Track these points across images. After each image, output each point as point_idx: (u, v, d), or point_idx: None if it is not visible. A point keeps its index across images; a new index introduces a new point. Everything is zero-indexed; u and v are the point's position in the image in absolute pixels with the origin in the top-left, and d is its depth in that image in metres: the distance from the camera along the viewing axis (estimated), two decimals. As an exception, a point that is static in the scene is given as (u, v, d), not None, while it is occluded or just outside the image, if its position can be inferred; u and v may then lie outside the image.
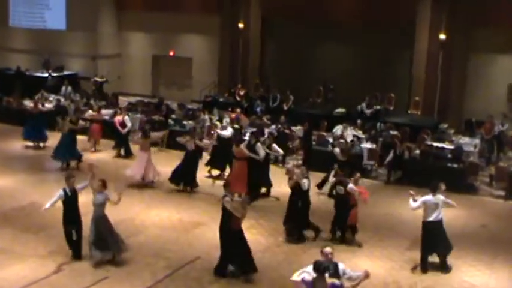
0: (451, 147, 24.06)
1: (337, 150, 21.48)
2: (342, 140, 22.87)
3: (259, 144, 20.44)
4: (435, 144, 24.43)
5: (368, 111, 29.20)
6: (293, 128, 26.66)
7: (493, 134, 25.93)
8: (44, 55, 38.37)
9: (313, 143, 24.85)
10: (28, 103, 28.12)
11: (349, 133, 25.57)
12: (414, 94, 31.44)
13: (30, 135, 26.34)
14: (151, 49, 39.31)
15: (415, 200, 15.55)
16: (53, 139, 25.46)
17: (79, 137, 24.38)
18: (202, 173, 22.48)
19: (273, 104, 31.47)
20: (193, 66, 38.07)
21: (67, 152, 23.28)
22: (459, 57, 30.81)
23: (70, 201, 14.84)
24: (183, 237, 17.03)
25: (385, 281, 14.83)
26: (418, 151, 23.61)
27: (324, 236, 17.15)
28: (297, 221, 17.22)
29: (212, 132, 25.85)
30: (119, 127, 25.05)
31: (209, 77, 36.38)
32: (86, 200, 15.45)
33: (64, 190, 14.81)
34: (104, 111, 27.46)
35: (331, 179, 18.31)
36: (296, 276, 11.22)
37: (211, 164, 22.98)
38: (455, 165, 22.39)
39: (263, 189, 21.06)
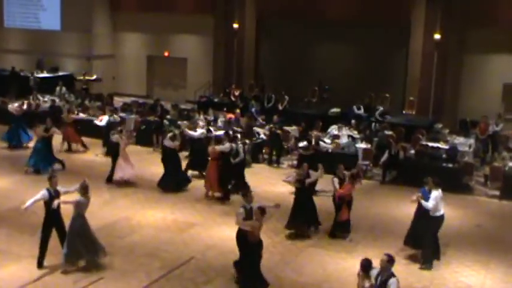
0: (446, 147, 24.09)
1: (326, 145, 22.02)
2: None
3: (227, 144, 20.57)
4: (430, 144, 24.45)
5: (362, 112, 29.17)
6: (288, 128, 26.66)
7: (488, 134, 25.97)
8: (38, 55, 38.37)
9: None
10: (11, 105, 27.90)
11: (344, 133, 25.61)
12: (409, 94, 31.50)
13: (9, 137, 26.27)
14: (146, 50, 39.30)
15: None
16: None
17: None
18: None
19: (268, 104, 31.46)
20: (188, 66, 38.08)
21: (40, 161, 22.61)
22: (454, 57, 30.88)
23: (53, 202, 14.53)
24: (178, 237, 17.02)
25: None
26: (413, 151, 23.62)
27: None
28: (306, 217, 17.50)
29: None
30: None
31: (204, 78, 36.39)
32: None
33: (48, 190, 14.58)
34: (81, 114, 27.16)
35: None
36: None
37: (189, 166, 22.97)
38: (450, 165, 22.40)
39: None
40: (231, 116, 27.71)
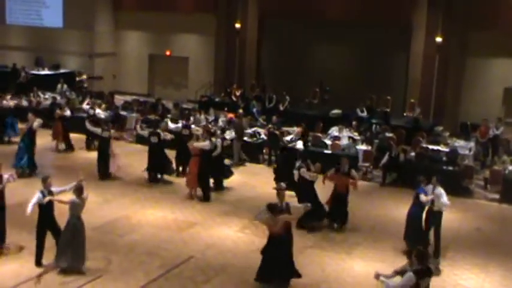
0: (446, 150, 24.11)
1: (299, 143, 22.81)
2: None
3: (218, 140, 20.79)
4: (430, 146, 24.47)
5: (365, 114, 29.16)
6: (289, 129, 26.68)
7: (488, 137, 25.99)
8: (37, 53, 38.43)
9: (309, 144, 24.84)
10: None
11: (345, 134, 25.63)
12: (410, 96, 31.49)
13: None
14: (148, 48, 39.33)
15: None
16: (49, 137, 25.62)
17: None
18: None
19: (269, 105, 31.49)
20: (190, 65, 38.10)
21: (17, 160, 21.86)
22: (455, 60, 30.91)
23: (47, 204, 14.51)
24: (177, 236, 17.03)
25: (378, 284, 14.83)
26: (413, 153, 23.63)
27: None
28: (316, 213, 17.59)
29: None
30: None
31: (205, 77, 36.41)
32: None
33: (42, 192, 14.54)
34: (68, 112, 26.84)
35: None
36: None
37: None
38: (450, 168, 22.41)
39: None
40: (231, 115, 27.73)
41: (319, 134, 26.43)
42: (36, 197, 14.48)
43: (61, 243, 14.40)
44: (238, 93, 32.76)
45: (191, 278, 14.51)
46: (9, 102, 28.58)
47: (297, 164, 19.28)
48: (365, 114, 29.04)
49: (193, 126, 24.67)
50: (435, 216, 16.37)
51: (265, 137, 25.56)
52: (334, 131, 26.42)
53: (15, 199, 16.80)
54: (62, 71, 37.99)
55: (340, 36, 33.54)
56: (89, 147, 25.64)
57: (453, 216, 19.78)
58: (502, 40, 29.65)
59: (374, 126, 28.14)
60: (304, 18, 33.97)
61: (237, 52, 35.81)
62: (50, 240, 14.85)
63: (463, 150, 24.52)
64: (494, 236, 18.45)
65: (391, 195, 21.28)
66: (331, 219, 18.26)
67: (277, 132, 25.39)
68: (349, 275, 15.13)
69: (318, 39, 34.04)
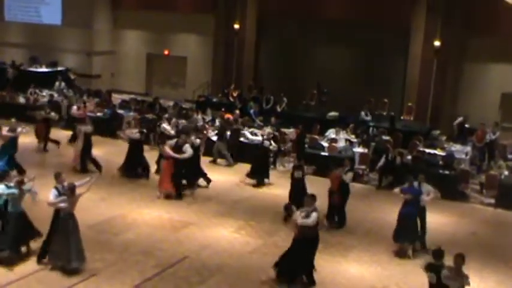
0: (443, 154, 24.13)
1: (267, 143, 22.78)
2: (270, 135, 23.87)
3: (187, 145, 20.49)
4: (427, 150, 24.49)
5: (369, 118, 29.18)
6: (286, 130, 26.67)
7: (485, 142, 26.01)
8: (35, 51, 38.42)
9: (306, 146, 24.85)
10: None
11: (342, 137, 25.61)
12: (407, 100, 31.53)
13: None
14: (146, 47, 39.30)
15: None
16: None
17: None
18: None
19: (267, 106, 31.48)
20: (188, 65, 38.08)
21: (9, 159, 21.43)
22: (453, 65, 30.95)
23: None
24: (172, 236, 17.02)
25: (373, 286, 14.86)
26: (409, 157, 23.64)
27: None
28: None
29: (204, 132, 25.89)
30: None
31: (203, 77, 36.41)
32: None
33: (56, 189, 14.55)
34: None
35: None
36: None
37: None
38: (447, 172, 22.44)
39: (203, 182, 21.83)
40: (229, 116, 27.74)
41: (316, 136, 26.46)
42: (52, 194, 14.43)
43: (57, 242, 14.36)
44: (235, 94, 32.74)
45: (186, 278, 14.50)
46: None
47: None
48: (369, 118, 29.05)
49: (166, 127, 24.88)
50: (421, 212, 17.14)
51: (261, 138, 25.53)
52: (331, 133, 26.41)
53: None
54: (59, 68, 37.94)
55: (339, 38, 33.55)
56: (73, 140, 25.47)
57: (449, 220, 19.85)
58: (500, 45, 29.70)
59: (371, 129, 28.16)
60: (302, 20, 33.98)
61: (235, 53, 35.79)
62: (39, 239, 14.85)
63: (459, 155, 24.57)
64: (489, 241, 18.47)
65: (387, 199, 21.24)
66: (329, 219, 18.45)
67: (276, 133, 25.39)
68: (344, 277, 15.14)
69: (316, 41, 34.05)
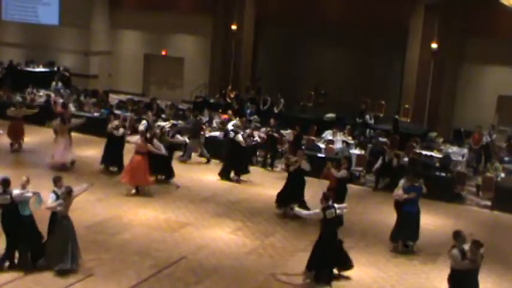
0: (440, 156, 24.16)
1: (239, 137, 22.92)
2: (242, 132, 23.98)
3: (155, 140, 20.99)
4: (424, 152, 24.51)
5: (372, 122, 29.19)
6: (283, 131, 26.68)
7: (481, 144, 26.06)
8: (32, 50, 38.44)
9: (303, 147, 24.85)
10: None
11: (339, 138, 25.63)
12: (404, 102, 31.55)
13: None
14: (144, 48, 39.31)
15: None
16: (44, 135, 25.57)
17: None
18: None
19: (264, 107, 31.51)
20: (185, 66, 38.09)
21: None
22: (450, 67, 31.00)
23: None
24: (169, 237, 17.01)
25: (370, 287, 14.87)
26: (406, 159, 23.66)
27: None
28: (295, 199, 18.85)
29: (202, 132, 25.93)
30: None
31: (200, 78, 36.44)
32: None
33: (55, 192, 14.47)
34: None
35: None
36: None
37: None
38: (443, 174, 22.47)
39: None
40: (225, 116, 27.76)
41: (313, 138, 26.47)
42: (51, 197, 14.36)
43: (54, 244, 14.34)
44: (232, 95, 32.76)
45: (182, 279, 14.49)
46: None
47: None
48: (373, 121, 29.05)
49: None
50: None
51: (259, 140, 25.53)
52: (328, 134, 26.44)
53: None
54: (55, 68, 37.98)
55: (336, 40, 33.59)
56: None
57: (445, 222, 19.86)
58: (498, 48, 29.76)
59: (368, 130, 28.18)
60: (300, 22, 34.00)
61: (233, 54, 35.82)
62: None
63: (456, 157, 24.59)
64: (485, 243, 18.33)
65: (383, 200, 21.25)
66: None
67: (276, 135, 25.42)
68: (339, 279, 15.13)
69: (314, 42, 34.08)
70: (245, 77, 35.71)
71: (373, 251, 16.94)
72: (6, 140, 24.94)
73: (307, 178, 19.83)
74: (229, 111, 28.33)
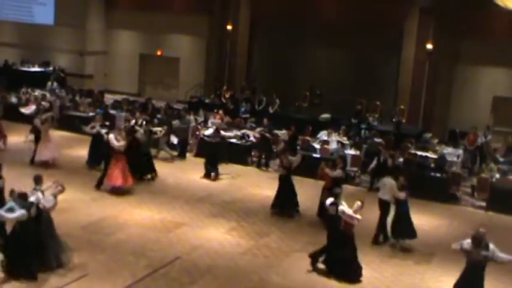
0: (435, 156, 24.19)
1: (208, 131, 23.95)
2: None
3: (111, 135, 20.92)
4: (419, 153, 24.53)
5: (376, 123, 29.17)
6: (278, 131, 26.69)
7: (476, 145, 26.09)
8: (27, 50, 38.41)
9: (298, 147, 24.87)
10: None
11: (334, 139, 25.63)
12: (399, 102, 31.56)
13: None
14: (139, 48, 39.26)
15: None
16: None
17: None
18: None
19: (259, 107, 31.50)
20: (180, 66, 38.05)
21: None
22: (445, 68, 31.04)
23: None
24: (164, 237, 17.01)
25: (364, 288, 14.91)
26: (401, 159, 23.67)
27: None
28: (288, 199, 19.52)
29: (197, 132, 25.95)
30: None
31: (196, 78, 36.39)
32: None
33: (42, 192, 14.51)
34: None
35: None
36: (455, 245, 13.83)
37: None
38: (438, 175, 22.50)
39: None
40: (222, 116, 27.78)
41: (308, 138, 26.47)
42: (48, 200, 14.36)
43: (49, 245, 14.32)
44: (228, 95, 32.74)
45: (177, 279, 14.50)
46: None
47: None
48: (376, 123, 29.02)
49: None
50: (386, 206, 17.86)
51: (254, 140, 25.57)
52: (323, 135, 26.43)
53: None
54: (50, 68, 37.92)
55: (332, 40, 33.58)
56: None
57: (440, 222, 19.90)
58: (492, 49, 29.79)
59: (363, 131, 28.20)
60: (295, 22, 33.97)
61: (228, 54, 35.80)
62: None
63: (451, 157, 24.62)
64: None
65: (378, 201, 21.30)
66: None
67: (268, 135, 25.41)
68: (334, 279, 15.14)
69: (309, 43, 34.07)
70: (240, 77, 35.69)
71: (367, 251, 16.91)
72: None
73: (302, 179, 19.87)
74: (221, 111, 28.32)
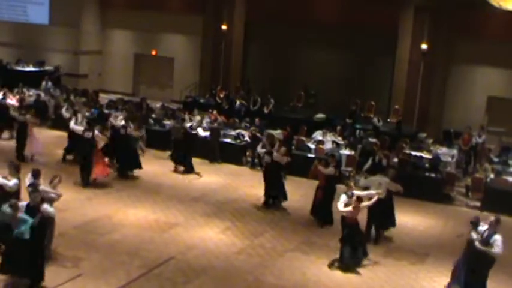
0: (429, 156, 24.21)
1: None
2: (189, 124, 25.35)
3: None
4: (413, 153, 24.55)
5: (381, 124, 29.14)
6: (273, 131, 26.68)
7: (471, 145, 26.12)
8: (22, 50, 38.34)
9: (292, 147, 24.85)
10: None
11: (329, 139, 25.63)
12: (394, 102, 31.57)
13: None
14: (134, 47, 39.18)
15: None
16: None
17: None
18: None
19: (254, 107, 31.48)
20: (175, 66, 37.99)
21: None
22: (440, 68, 31.04)
23: None
24: (158, 237, 17.00)
25: (359, 288, 14.92)
26: (396, 159, 23.69)
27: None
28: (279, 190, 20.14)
29: (193, 132, 25.93)
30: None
31: (190, 78, 36.34)
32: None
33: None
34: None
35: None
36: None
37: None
38: (433, 175, 22.53)
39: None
40: (216, 116, 27.78)
41: (303, 138, 26.47)
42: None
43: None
44: (222, 95, 32.72)
45: (171, 279, 14.49)
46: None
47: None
48: (381, 124, 29.00)
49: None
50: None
51: (248, 140, 25.56)
52: (318, 135, 26.43)
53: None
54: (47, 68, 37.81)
55: (326, 40, 33.57)
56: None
57: (434, 223, 19.93)
58: (487, 49, 29.81)
59: (358, 131, 28.21)
60: (290, 22, 33.95)
61: (223, 54, 35.76)
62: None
63: (445, 158, 24.65)
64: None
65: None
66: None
67: (258, 134, 25.40)
68: (329, 279, 15.16)
69: (304, 43, 34.04)
70: (235, 77, 35.67)
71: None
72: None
73: (297, 178, 19.86)
74: (215, 111, 28.31)
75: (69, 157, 23.64)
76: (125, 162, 22.58)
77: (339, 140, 25.95)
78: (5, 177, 14.94)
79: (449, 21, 30.40)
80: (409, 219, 19.94)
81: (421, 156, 24.22)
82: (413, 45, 31.16)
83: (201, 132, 25.97)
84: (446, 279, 15.64)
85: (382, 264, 16.33)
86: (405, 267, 16.28)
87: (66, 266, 14.55)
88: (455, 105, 31.03)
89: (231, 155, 25.16)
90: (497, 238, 13.87)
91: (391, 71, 32.36)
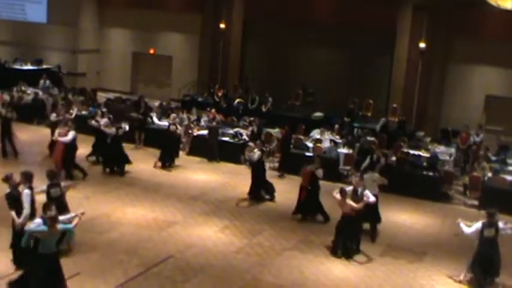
0: (427, 155, 24.22)
1: (173, 127, 24.19)
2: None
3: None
4: (411, 151, 24.56)
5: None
6: (271, 130, 26.68)
7: (469, 144, 26.14)
8: (20, 48, 38.34)
9: (291, 146, 24.86)
10: None
11: (327, 137, 25.64)
12: (392, 101, 31.59)
13: None
14: (132, 46, 39.19)
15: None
16: (30, 133, 25.46)
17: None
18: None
19: (252, 106, 31.49)
20: (173, 64, 38.00)
21: None
22: (438, 67, 31.07)
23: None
24: (157, 235, 17.01)
25: (357, 286, 14.90)
26: (394, 158, 23.71)
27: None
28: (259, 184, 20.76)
29: (189, 131, 25.94)
30: None
31: (189, 76, 36.36)
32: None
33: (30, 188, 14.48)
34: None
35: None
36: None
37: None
38: (431, 174, 22.54)
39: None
40: (214, 114, 27.77)
41: (301, 137, 26.47)
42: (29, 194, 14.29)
43: None
44: (220, 94, 32.72)
45: (170, 278, 14.50)
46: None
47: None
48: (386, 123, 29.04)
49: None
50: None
51: (247, 138, 25.56)
52: (316, 133, 26.45)
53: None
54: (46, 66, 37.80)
55: (325, 39, 33.59)
56: None
57: (432, 221, 19.93)
58: (485, 47, 29.84)
59: (356, 129, 28.22)
60: (289, 21, 33.96)
61: (221, 52, 35.78)
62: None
63: (443, 156, 24.66)
64: (472, 242, 18.48)
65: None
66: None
67: (254, 131, 25.41)
68: (327, 278, 15.17)
69: (302, 42, 34.05)
70: (233, 75, 35.68)
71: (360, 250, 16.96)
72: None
73: (295, 177, 19.82)
74: (213, 110, 28.29)
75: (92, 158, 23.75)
76: (110, 158, 22.84)
77: (337, 138, 25.96)
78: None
79: (447, 20, 30.43)
80: (407, 218, 19.96)
81: (419, 155, 24.22)
82: (411, 44, 31.18)
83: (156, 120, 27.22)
84: (444, 277, 15.70)
85: (380, 262, 16.34)
86: (403, 265, 16.29)
87: (64, 264, 14.52)
88: (453, 103, 31.06)
89: (230, 153, 25.15)
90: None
91: (389, 69, 32.40)
